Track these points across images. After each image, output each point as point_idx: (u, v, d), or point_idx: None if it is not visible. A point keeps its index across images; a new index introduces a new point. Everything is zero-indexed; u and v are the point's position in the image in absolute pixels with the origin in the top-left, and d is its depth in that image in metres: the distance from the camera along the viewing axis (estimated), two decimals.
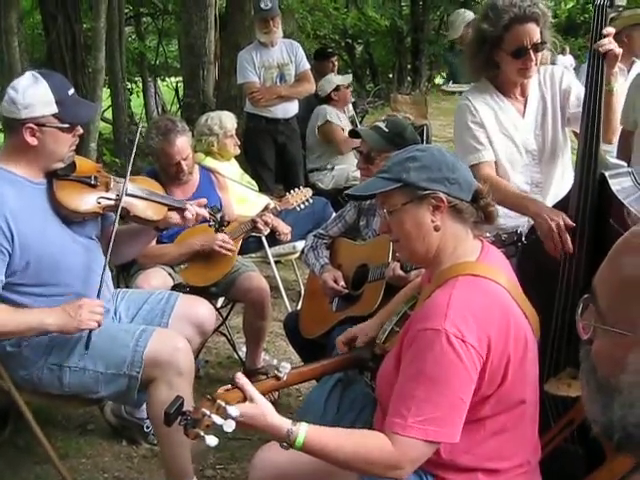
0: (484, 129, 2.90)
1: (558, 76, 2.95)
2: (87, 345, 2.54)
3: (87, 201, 2.73)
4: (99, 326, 2.55)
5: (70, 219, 2.71)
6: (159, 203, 2.93)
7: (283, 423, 1.77)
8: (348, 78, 6.72)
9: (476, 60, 2.93)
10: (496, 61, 2.87)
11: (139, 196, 2.87)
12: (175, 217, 2.96)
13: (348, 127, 6.36)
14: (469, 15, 6.24)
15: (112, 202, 2.77)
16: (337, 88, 6.36)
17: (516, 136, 2.92)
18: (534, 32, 2.76)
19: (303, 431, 1.75)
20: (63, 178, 2.69)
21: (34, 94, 2.51)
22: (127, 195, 2.79)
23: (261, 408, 1.78)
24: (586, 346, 1.11)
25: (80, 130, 2.68)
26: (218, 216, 3.18)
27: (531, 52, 2.76)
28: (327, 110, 6.25)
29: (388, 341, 2.18)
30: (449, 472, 1.85)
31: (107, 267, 2.76)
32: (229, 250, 3.68)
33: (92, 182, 2.73)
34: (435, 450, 1.77)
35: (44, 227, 2.61)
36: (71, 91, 2.64)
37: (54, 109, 2.54)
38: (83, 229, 2.77)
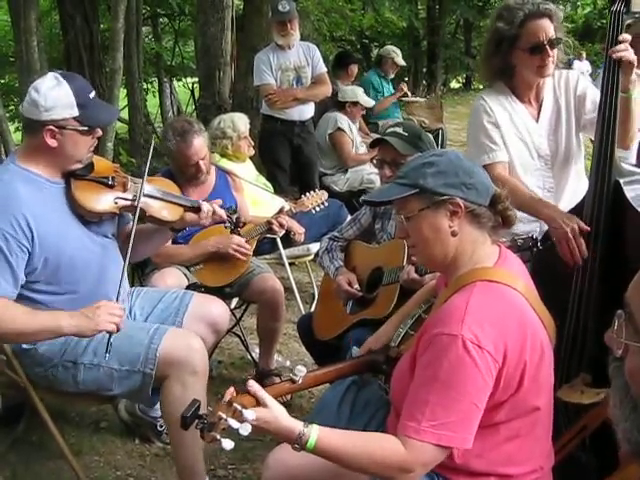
0: (499, 129, 2.90)
1: (573, 81, 2.95)
2: (108, 349, 2.49)
3: (104, 201, 2.74)
4: (118, 330, 2.50)
5: (87, 218, 2.73)
6: (175, 204, 2.93)
7: (295, 425, 1.77)
8: (370, 102, 6.77)
9: (492, 61, 2.93)
10: (513, 63, 2.87)
11: (155, 197, 2.87)
12: (191, 217, 2.96)
13: (357, 138, 6.41)
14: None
15: (129, 202, 2.77)
16: (356, 103, 6.44)
17: (529, 140, 2.92)
18: (549, 27, 2.78)
19: (315, 433, 1.75)
20: (81, 178, 2.70)
21: (56, 96, 2.52)
22: (144, 196, 2.79)
23: (273, 412, 1.79)
24: (616, 362, 1.08)
25: (99, 132, 2.68)
26: (234, 217, 3.17)
27: (547, 48, 2.77)
28: (338, 117, 6.30)
29: (402, 344, 2.19)
30: (461, 476, 1.85)
31: (125, 269, 2.75)
32: (244, 254, 3.70)
33: (109, 182, 2.74)
34: (447, 454, 1.77)
35: (62, 226, 2.63)
36: (92, 94, 2.64)
37: (75, 112, 2.54)
38: (100, 228, 2.79)
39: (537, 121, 2.95)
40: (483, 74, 3.10)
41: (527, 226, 2.80)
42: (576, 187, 2.94)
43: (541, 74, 2.85)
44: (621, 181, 2.47)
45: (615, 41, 2.54)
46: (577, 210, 2.55)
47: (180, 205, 2.94)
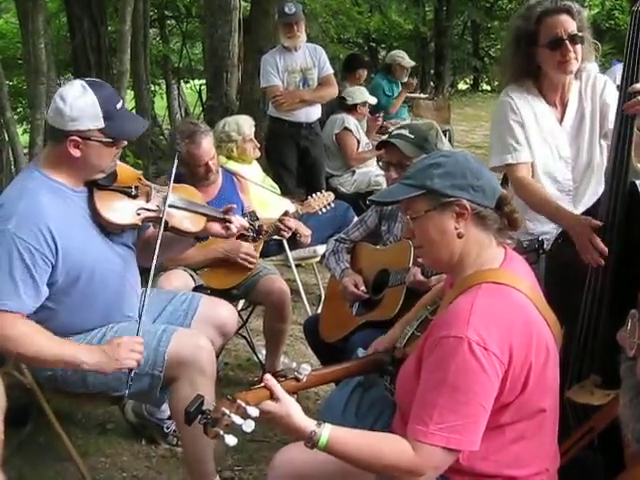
0: (524, 129, 2.87)
1: (599, 88, 2.91)
2: (128, 385, 2.50)
3: (127, 213, 2.70)
4: (138, 365, 2.52)
5: (108, 230, 2.71)
6: (198, 213, 2.89)
7: (307, 424, 1.79)
8: (374, 100, 6.77)
9: (516, 61, 2.91)
10: (536, 62, 2.84)
11: (178, 207, 2.83)
12: (215, 228, 2.93)
13: (364, 139, 6.40)
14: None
15: (152, 214, 2.75)
16: (364, 103, 6.46)
17: (552, 141, 2.89)
18: (568, 23, 2.73)
19: (327, 432, 1.77)
20: (103, 188, 2.67)
21: (82, 106, 2.47)
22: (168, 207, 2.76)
23: (286, 408, 1.80)
24: (628, 362, 1.08)
25: (124, 142, 2.65)
26: (256, 224, 3.14)
27: (567, 43, 2.72)
28: (345, 118, 6.29)
29: (408, 345, 2.19)
30: (467, 477, 1.85)
31: (146, 292, 2.69)
32: (251, 263, 3.70)
33: (132, 192, 2.71)
34: (456, 457, 1.77)
35: (84, 236, 2.61)
36: (120, 104, 2.60)
37: (100, 124, 2.50)
38: (121, 237, 2.77)
39: (561, 124, 2.92)
40: (508, 76, 3.00)
41: (545, 226, 2.79)
42: (595, 193, 2.90)
43: (563, 70, 2.80)
44: (637, 182, 2.45)
45: (636, 41, 2.45)
46: (592, 211, 2.53)
47: (203, 214, 2.91)
